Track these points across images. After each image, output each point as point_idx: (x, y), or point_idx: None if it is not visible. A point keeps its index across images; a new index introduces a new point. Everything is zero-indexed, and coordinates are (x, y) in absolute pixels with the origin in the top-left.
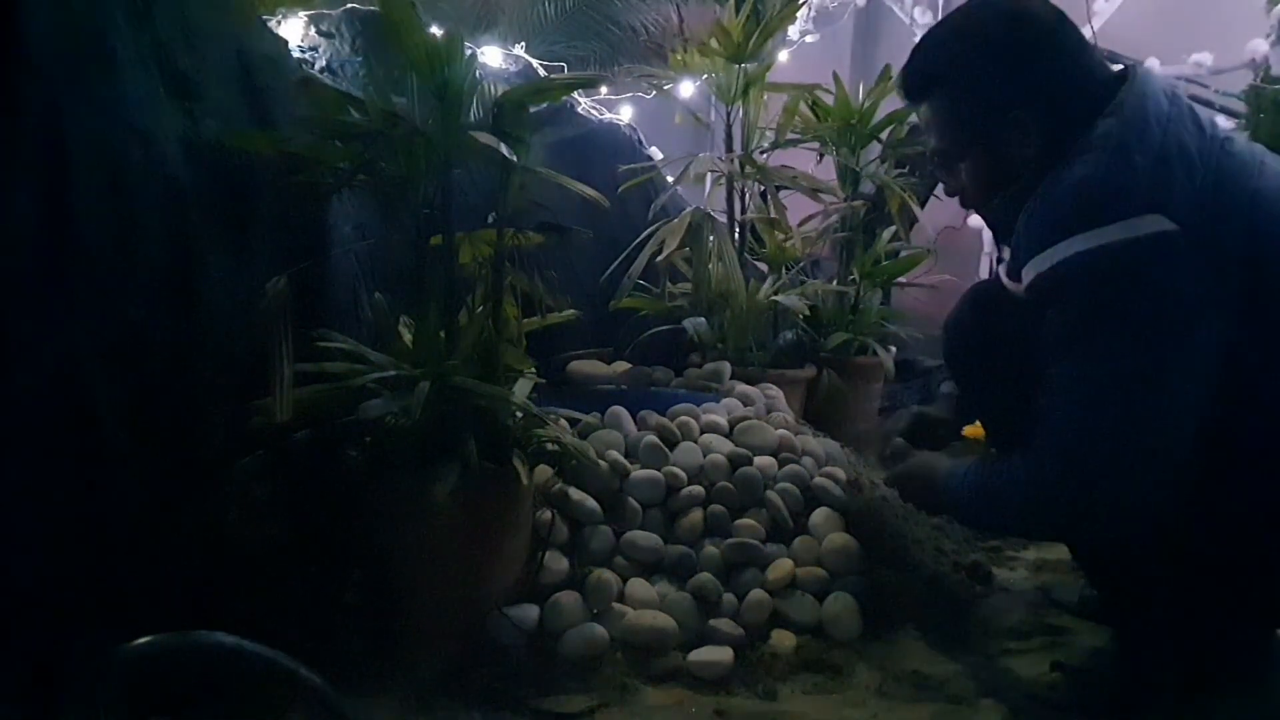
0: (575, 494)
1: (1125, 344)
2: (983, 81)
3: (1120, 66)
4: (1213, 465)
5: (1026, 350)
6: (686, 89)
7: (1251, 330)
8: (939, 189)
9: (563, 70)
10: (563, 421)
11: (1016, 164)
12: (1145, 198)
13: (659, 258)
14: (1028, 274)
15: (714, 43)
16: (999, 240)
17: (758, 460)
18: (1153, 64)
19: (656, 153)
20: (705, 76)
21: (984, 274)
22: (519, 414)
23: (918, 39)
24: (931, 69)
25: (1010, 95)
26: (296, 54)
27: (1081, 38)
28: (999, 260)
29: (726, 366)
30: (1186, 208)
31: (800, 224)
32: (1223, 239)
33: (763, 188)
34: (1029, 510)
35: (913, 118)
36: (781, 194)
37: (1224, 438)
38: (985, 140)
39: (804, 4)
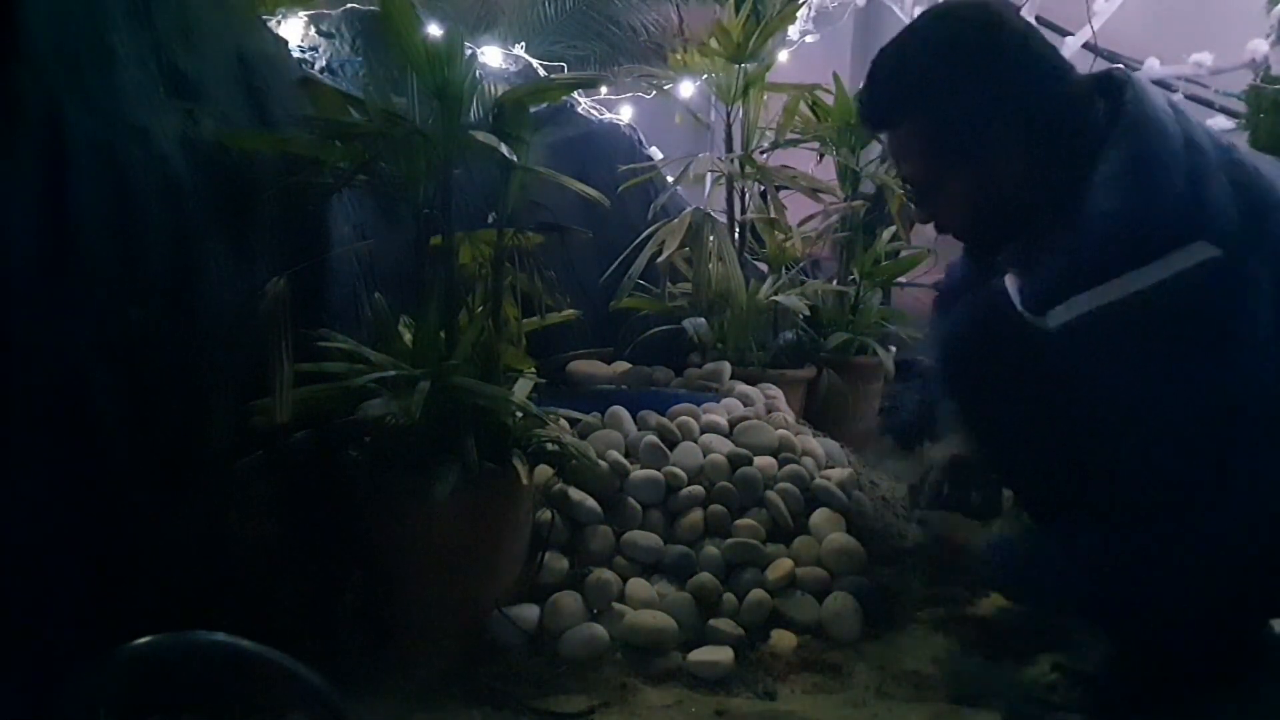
0: (575, 494)
1: (1202, 378)
2: (958, 97)
3: (1098, 71)
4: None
5: (1043, 383)
6: (686, 89)
7: None
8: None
9: (563, 70)
10: (563, 421)
11: (1001, 182)
12: (1186, 225)
13: (659, 258)
14: (1062, 314)
15: (714, 43)
16: (988, 266)
17: (758, 460)
18: (1152, 64)
19: (656, 153)
20: (705, 76)
21: None
22: (519, 414)
23: (871, 62)
24: (897, 91)
25: (988, 109)
26: (296, 54)
27: (1048, 43)
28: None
29: (726, 366)
30: (1227, 226)
31: (800, 224)
32: (1265, 249)
33: (763, 188)
34: (1138, 586)
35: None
36: (781, 194)
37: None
38: (965, 162)
39: (804, 4)
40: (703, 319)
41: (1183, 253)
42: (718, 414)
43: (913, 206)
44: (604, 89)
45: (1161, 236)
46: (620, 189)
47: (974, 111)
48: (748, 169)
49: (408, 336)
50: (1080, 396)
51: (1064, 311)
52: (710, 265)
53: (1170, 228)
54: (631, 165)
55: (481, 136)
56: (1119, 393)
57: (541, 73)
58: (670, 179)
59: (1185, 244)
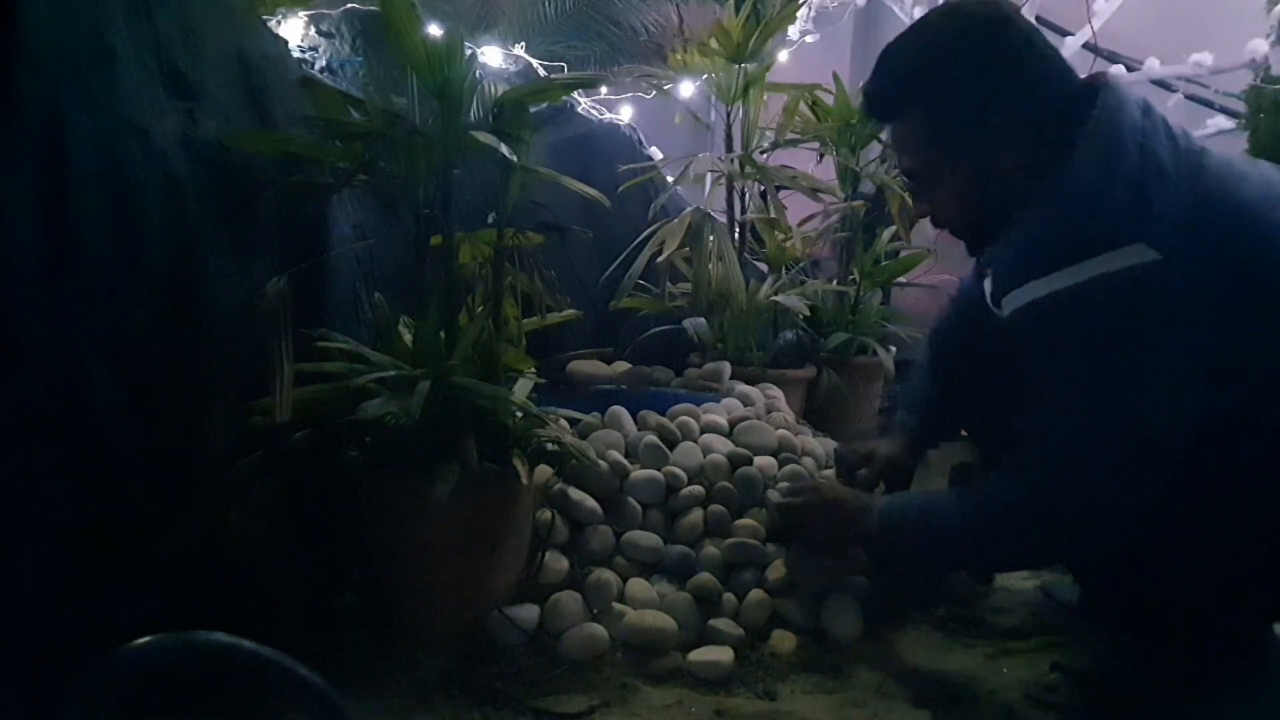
0: (575, 494)
1: (1107, 377)
2: (962, 93)
3: (1093, 75)
4: (1205, 473)
5: (1007, 366)
6: (686, 89)
7: (1241, 340)
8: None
9: (563, 70)
10: (563, 421)
11: (997, 180)
12: (1126, 227)
13: (659, 258)
14: (1008, 305)
15: (714, 43)
16: (977, 259)
17: (758, 460)
18: (1153, 64)
19: (656, 153)
20: (705, 76)
21: None
22: (519, 414)
23: (880, 53)
24: (903, 83)
25: (990, 107)
26: (296, 54)
27: (1051, 45)
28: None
29: (726, 366)
30: (1168, 232)
31: (800, 224)
32: (1208, 258)
33: (763, 188)
34: (997, 532)
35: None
36: (781, 194)
37: (1216, 447)
38: (964, 157)
39: (804, 4)
40: (703, 319)
41: (1120, 252)
42: (718, 414)
43: (911, 200)
44: (604, 89)
45: (1099, 237)
46: (620, 189)
47: (976, 108)
48: (748, 169)
49: (408, 336)
50: (1012, 365)
51: (1012, 300)
52: (710, 265)
53: (1108, 229)
54: (631, 165)
55: (481, 136)
56: (1040, 374)
57: (541, 73)
58: (670, 179)
59: (1124, 245)
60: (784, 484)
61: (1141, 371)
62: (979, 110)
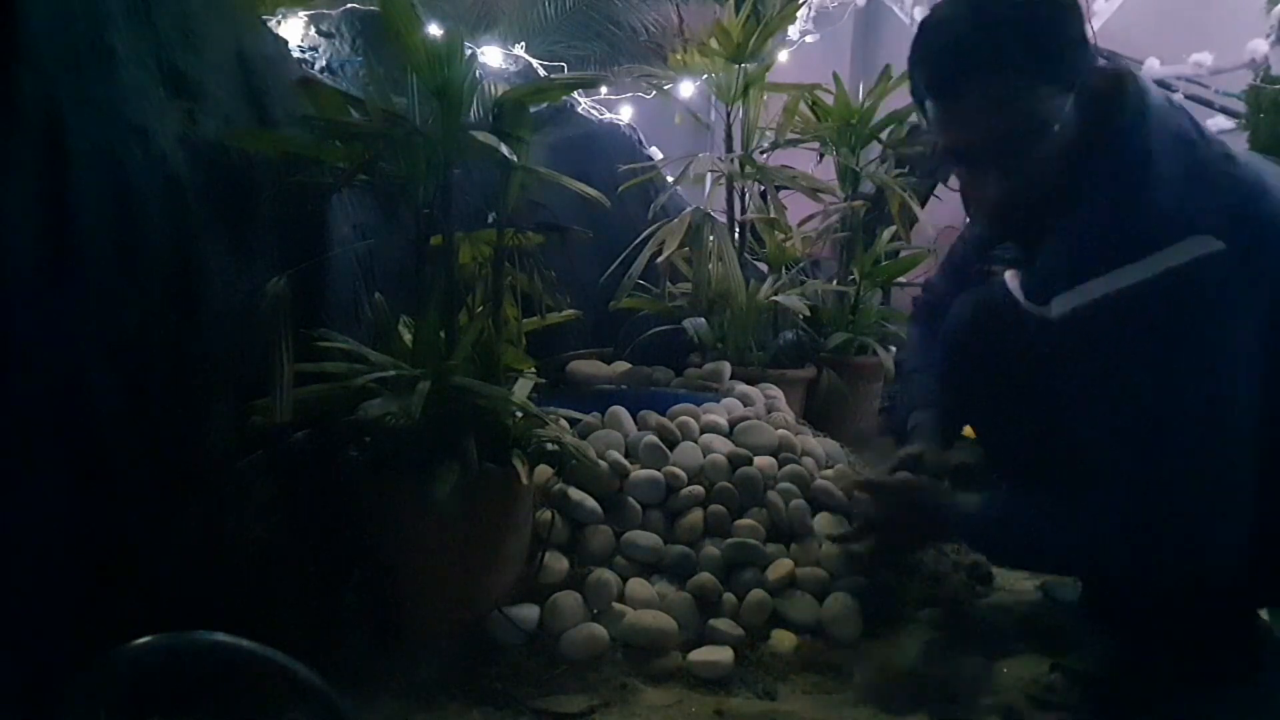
0: (575, 494)
1: (1197, 370)
2: (1024, 69)
3: (1106, 66)
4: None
5: (1039, 371)
6: (686, 89)
7: None
8: (939, 189)
9: (563, 70)
10: (563, 421)
11: (1047, 170)
12: (1188, 219)
13: (659, 258)
14: (1063, 304)
15: (714, 43)
16: (1023, 251)
17: (758, 460)
18: (1152, 64)
19: (656, 153)
20: (705, 76)
21: None
22: (519, 414)
23: (932, 25)
24: (978, 55)
25: (1055, 87)
26: (296, 54)
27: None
28: (987, 267)
29: (726, 366)
30: (1224, 224)
31: (800, 224)
32: (1259, 245)
33: (763, 188)
34: (1094, 548)
35: (913, 117)
36: (781, 194)
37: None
38: (1028, 141)
39: (804, 4)
40: (703, 319)
41: (1185, 244)
42: (718, 414)
43: (968, 189)
44: (604, 89)
45: (1164, 230)
46: (620, 189)
47: (1046, 87)
48: (748, 169)
49: (408, 336)
50: (1077, 383)
51: (1070, 298)
52: (710, 265)
53: (1172, 222)
54: (631, 165)
55: (481, 136)
56: (1116, 374)
57: (541, 73)
58: (670, 179)
59: (1187, 236)
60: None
61: (1227, 361)
62: (1047, 89)
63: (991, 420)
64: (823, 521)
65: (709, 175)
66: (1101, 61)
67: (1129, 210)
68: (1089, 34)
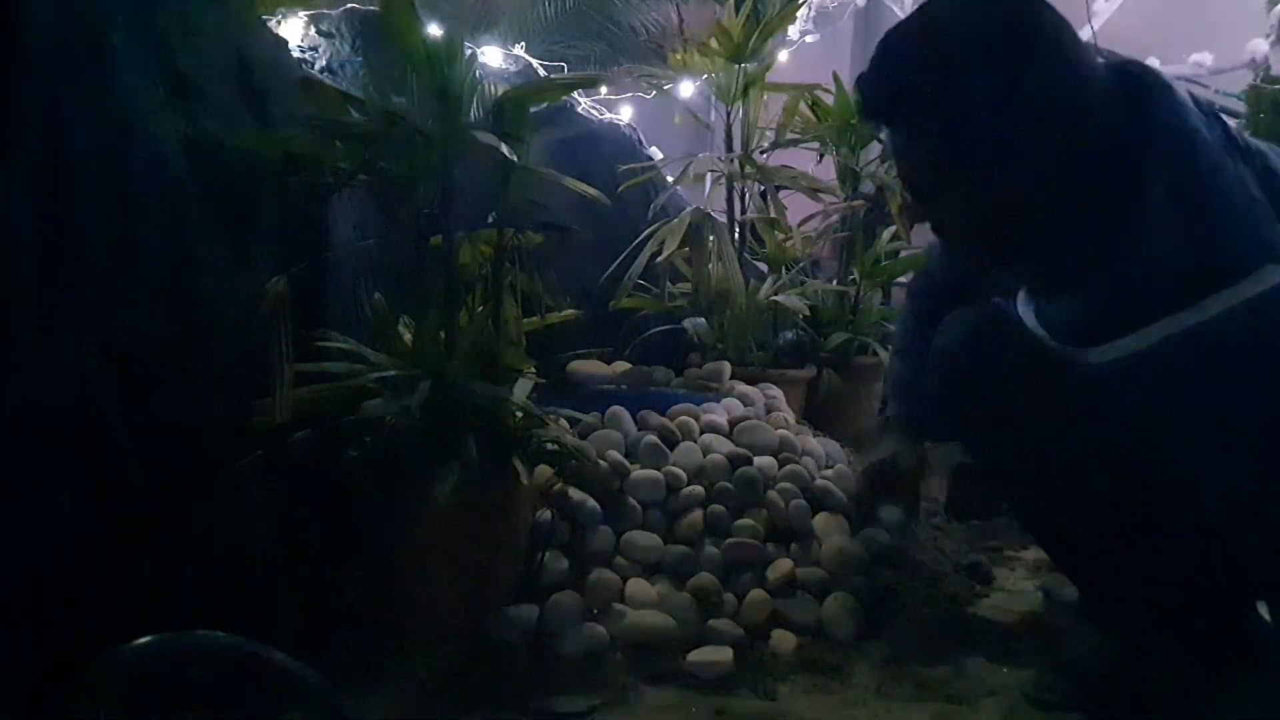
0: (575, 494)
1: None
2: (988, 87)
3: (1115, 63)
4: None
5: (1074, 416)
6: (686, 89)
7: None
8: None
9: (563, 70)
10: (563, 421)
11: (1025, 190)
12: (1259, 249)
13: (659, 258)
14: (1120, 347)
15: (714, 43)
16: (981, 275)
17: (758, 460)
18: (1152, 64)
19: (656, 153)
20: (705, 76)
21: None
22: (519, 414)
23: (881, 42)
24: (920, 75)
25: (1016, 104)
26: (296, 54)
27: (1078, 37)
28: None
29: (726, 366)
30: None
31: (800, 224)
32: None
33: (763, 188)
34: None
35: None
36: (781, 194)
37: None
38: (987, 161)
39: (804, 4)
40: (703, 319)
41: (1253, 279)
42: (718, 414)
43: (909, 206)
44: (604, 89)
45: (1231, 265)
46: (620, 189)
47: (1001, 106)
48: (748, 169)
49: (408, 336)
50: (1140, 431)
51: (1127, 344)
52: (710, 265)
53: (1238, 256)
54: (631, 165)
55: (481, 136)
56: (1195, 426)
57: (541, 73)
58: (670, 179)
59: (1257, 268)
60: None
61: None
62: (1002, 108)
63: (1006, 466)
64: (823, 521)
65: (709, 175)
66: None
67: (1193, 246)
68: (1071, 36)
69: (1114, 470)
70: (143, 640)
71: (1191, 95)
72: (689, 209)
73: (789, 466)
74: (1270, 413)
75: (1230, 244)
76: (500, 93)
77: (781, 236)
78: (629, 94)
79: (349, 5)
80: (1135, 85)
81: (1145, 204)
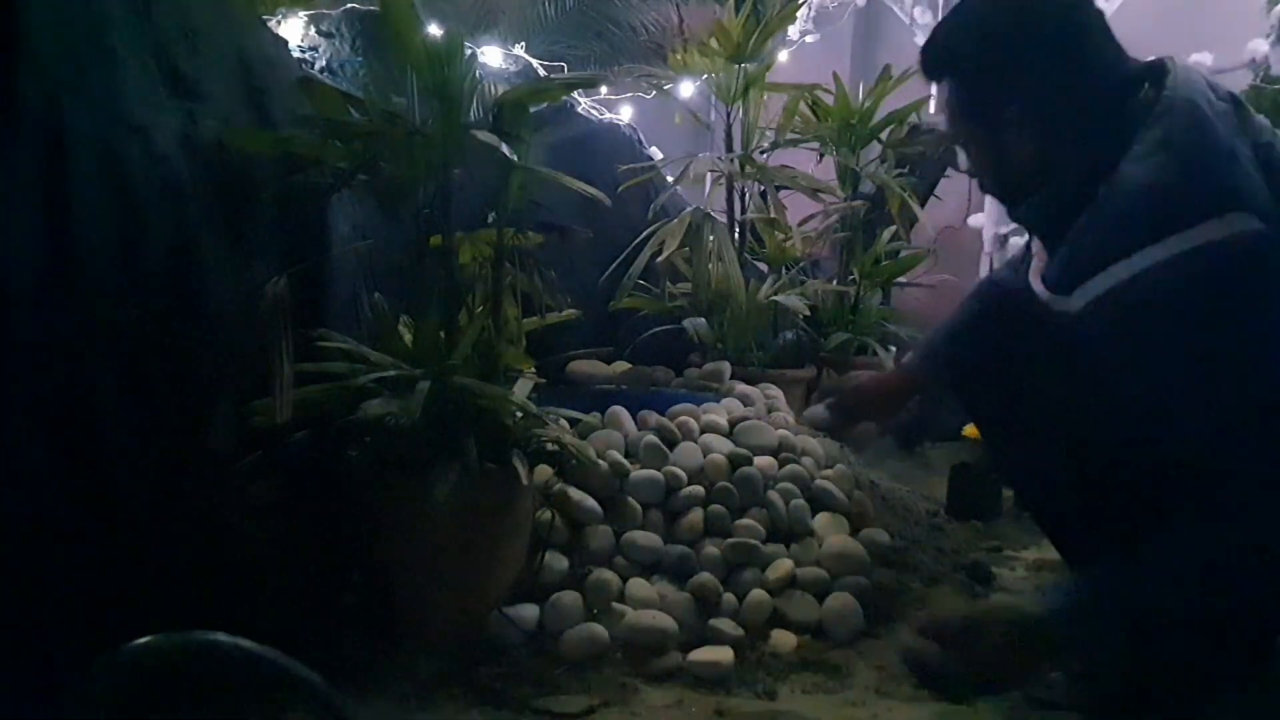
0: (575, 494)
1: (1249, 347)
2: (1009, 60)
3: (1152, 59)
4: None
5: (1055, 372)
6: (686, 89)
7: None
8: (939, 189)
9: (563, 70)
10: (563, 421)
11: (1028, 153)
12: (1229, 196)
13: (659, 258)
14: (1085, 293)
15: (714, 43)
16: (1038, 239)
17: (758, 460)
18: None
19: (656, 153)
20: (705, 76)
21: (984, 274)
22: (519, 414)
23: (957, 6)
24: (958, 43)
25: (1036, 76)
26: (296, 54)
27: (1107, 27)
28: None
29: (726, 366)
30: (1263, 200)
31: (800, 224)
32: None
33: (763, 188)
34: (1204, 572)
35: (913, 117)
36: (781, 194)
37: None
38: (995, 127)
39: (804, 4)
40: (703, 319)
41: (1228, 218)
42: (718, 414)
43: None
44: (604, 89)
45: (1204, 205)
46: (620, 189)
47: (1026, 72)
48: (748, 169)
49: (408, 336)
50: (1108, 377)
51: (1094, 285)
52: (710, 265)
53: (1212, 197)
54: (631, 165)
55: (481, 136)
56: (1153, 368)
57: (541, 73)
58: (670, 179)
59: (1222, 214)
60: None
61: (1261, 342)
62: (1030, 73)
63: (994, 420)
64: (823, 521)
65: (709, 175)
66: None
67: (1164, 188)
68: (1096, 27)
69: (1088, 414)
70: (143, 640)
71: (1208, 80)
72: (689, 209)
73: (789, 466)
74: (1198, 352)
75: (1200, 188)
76: (500, 93)
77: (781, 236)
78: (629, 94)
79: (349, 5)
80: (1155, 72)
81: (1125, 165)
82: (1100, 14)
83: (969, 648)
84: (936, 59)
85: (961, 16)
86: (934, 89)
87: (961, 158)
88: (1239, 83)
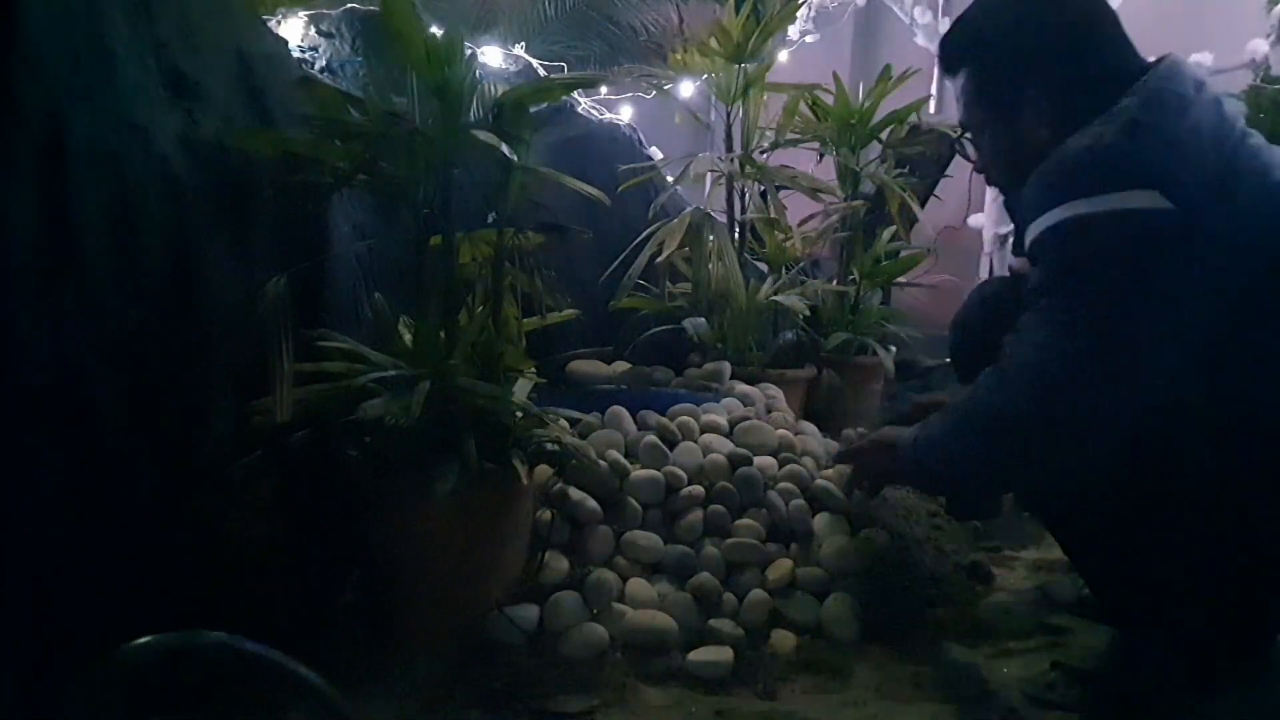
0: (575, 494)
1: (1099, 305)
2: (1028, 46)
3: (1162, 55)
4: (1212, 466)
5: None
6: (686, 89)
7: (1244, 319)
8: (939, 190)
9: (563, 70)
10: (563, 421)
11: (1037, 144)
12: (1144, 173)
13: (659, 258)
14: (1028, 240)
15: (714, 43)
16: (1017, 222)
17: (758, 460)
18: None
19: (656, 153)
20: (705, 76)
21: (984, 274)
22: (519, 414)
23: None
24: (980, 29)
25: (1052, 64)
26: (296, 54)
27: (1118, 25)
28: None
29: (726, 366)
30: (1191, 191)
31: (800, 224)
32: (1228, 228)
33: (763, 188)
34: (981, 439)
35: (913, 117)
36: (781, 194)
37: (1222, 439)
38: (1007, 117)
39: (804, 4)
40: (703, 319)
41: (1129, 194)
42: (718, 414)
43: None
44: (604, 89)
45: (1115, 176)
46: (620, 189)
47: (1029, 70)
48: (748, 169)
49: (408, 336)
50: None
51: (1032, 231)
52: (710, 265)
53: (1125, 171)
54: (631, 165)
55: (481, 136)
56: (1031, 290)
57: (541, 73)
58: (670, 179)
59: (1140, 189)
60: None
61: (1132, 308)
62: (1033, 71)
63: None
64: (823, 521)
65: (709, 175)
66: None
67: (1098, 153)
68: (1104, 27)
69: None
70: (143, 640)
71: (1201, 78)
72: (689, 209)
73: (789, 466)
74: (1085, 297)
75: (1114, 162)
76: (500, 93)
77: (781, 236)
78: (629, 94)
79: (349, 5)
80: (1160, 59)
81: (1083, 129)
82: (1112, 10)
83: (859, 462)
84: (958, 47)
85: (982, 8)
86: (948, 84)
87: (972, 151)
88: (1239, 83)
